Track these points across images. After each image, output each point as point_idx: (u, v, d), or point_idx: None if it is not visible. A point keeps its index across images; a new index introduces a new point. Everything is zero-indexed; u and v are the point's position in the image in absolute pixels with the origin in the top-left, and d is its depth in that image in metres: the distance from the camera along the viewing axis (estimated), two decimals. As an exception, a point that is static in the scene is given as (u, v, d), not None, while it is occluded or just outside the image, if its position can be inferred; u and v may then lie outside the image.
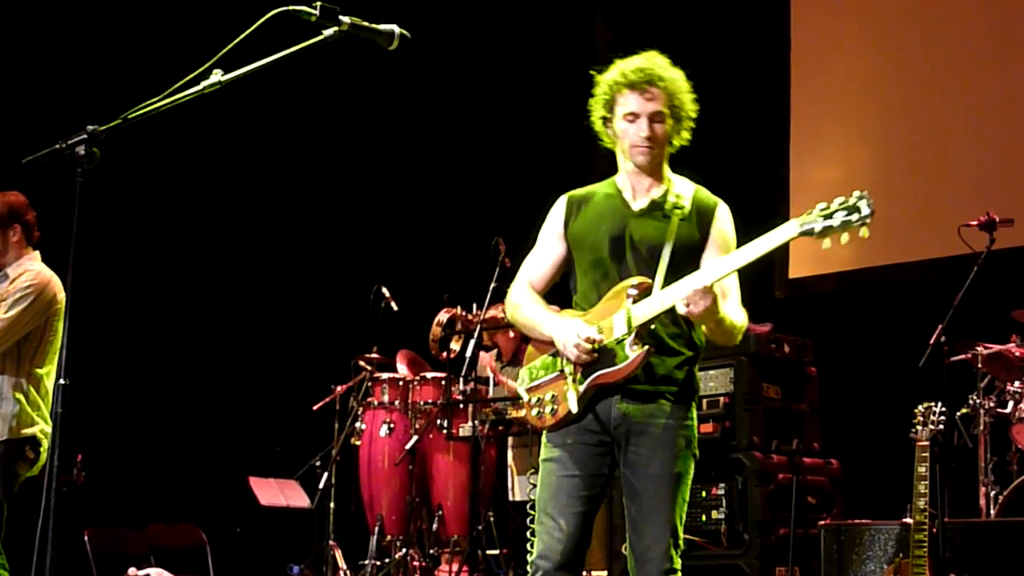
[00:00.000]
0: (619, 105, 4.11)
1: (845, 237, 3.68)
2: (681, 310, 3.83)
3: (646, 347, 3.92)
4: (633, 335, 3.91)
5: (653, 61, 4.16)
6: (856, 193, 3.71)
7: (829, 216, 3.69)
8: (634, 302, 3.94)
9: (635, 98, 4.08)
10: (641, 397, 4.00)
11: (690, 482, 4.08)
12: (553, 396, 4.08)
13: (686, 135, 4.19)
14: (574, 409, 3.99)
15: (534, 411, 4.15)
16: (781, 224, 3.76)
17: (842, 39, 9.45)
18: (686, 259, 4.04)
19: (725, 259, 3.89)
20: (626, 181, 4.18)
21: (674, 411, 4.03)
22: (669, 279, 3.96)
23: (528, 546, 4.34)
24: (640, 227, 4.09)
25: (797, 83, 9.53)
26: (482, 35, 10.71)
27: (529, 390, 4.20)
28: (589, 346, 3.93)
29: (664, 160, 4.18)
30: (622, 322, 3.93)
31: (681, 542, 4.02)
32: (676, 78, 4.16)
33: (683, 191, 4.16)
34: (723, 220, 4.17)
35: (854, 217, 3.68)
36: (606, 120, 4.17)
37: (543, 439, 4.16)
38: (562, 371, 4.06)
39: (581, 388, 3.99)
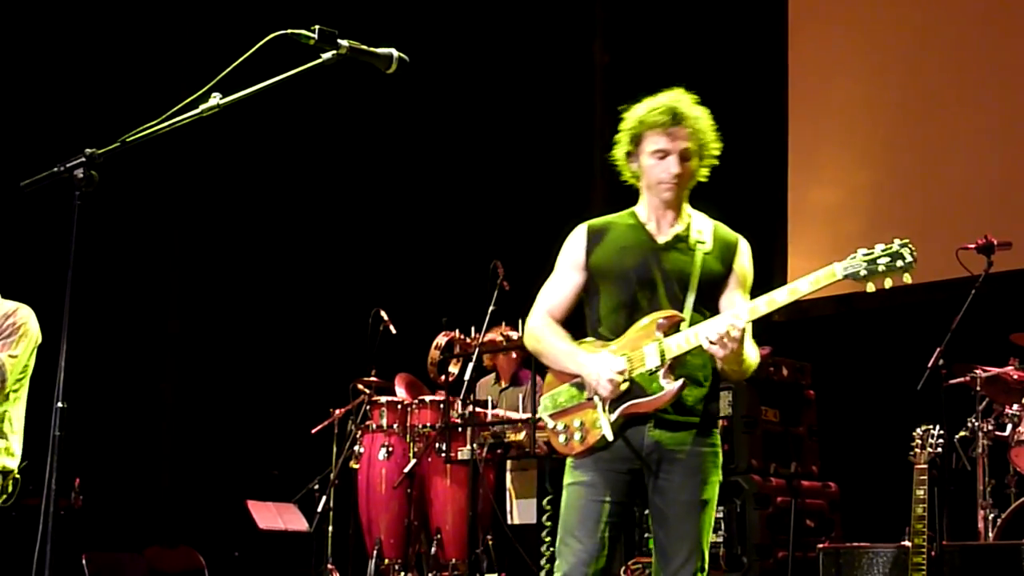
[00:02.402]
0: (647, 142, 4.19)
1: (888, 282, 3.78)
2: (712, 348, 3.92)
3: (681, 380, 4.03)
4: (666, 367, 4.01)
5: (680, 100, 4.23)
6: (897, 241, 3.80)
7: (872, 262, 3.79)
8: (664, 334, 4.03)
9: (663, 137, 4.17)
10: (672, 426, 4.10)
11: (715, 506, 4.19)
12: (581, 423, 4.14)
13: (705, 172, 4.31)
14: (610, 437, 4.06)
15: (560, 437, 4.19)
16: (823, 268, 3.86)
17: (839, 63, 9.48)
18: (710, 292, 4.17)
19: (759, 301, 3.97)
20: (649, 214, 4.27)
21: (702, 439, 4.14)
22: (695, 310, 4.10)
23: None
24: (667, 259, 4.19)
25: (795, 106, 9.55)
26: (481, 58, 10.74)
27: (553, 416, 4.24)
28: (620, 380, 4.02)
29: (685, 196, 4.28)
30: (654, 354, 4.02)
31: (707, 565, 4.13)
32: (701, 117, 4.26)
33: (704, 226, 4.27)
34: (744, 256, 4.30)
35: (898, 263, 3.77)
36: (630, 154, 4.25)
37: (568, 463, 4.21)
38: (590, 399, 4.12)
39: (612, 417, 4.06)
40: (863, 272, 3.79)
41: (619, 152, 4.27)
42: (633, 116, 4.23)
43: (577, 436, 4.13)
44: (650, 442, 4.08)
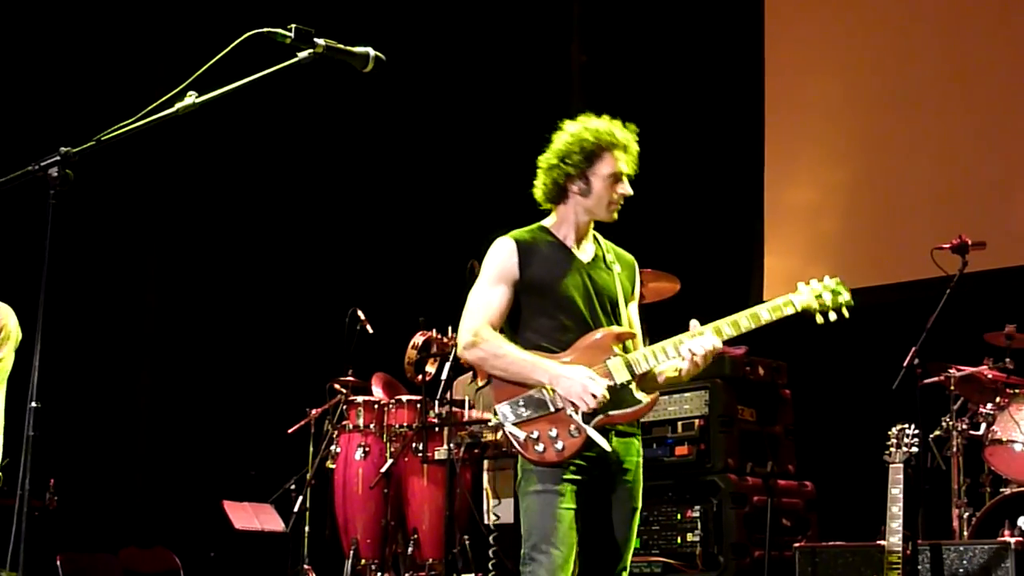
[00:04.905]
0: (603, 162, 4.32)
1: (833, 316, 4.25)
2: (688, 363, 4.17)
3: (656, 393, 4.27)
4: (636, 381, 4.19)
5: (622, 126, 4.40)
6: (831, 279, 4.30)
7: (819, 297, 4.25)
8: (624, 350, 4.22)
9: (622, 159, 4.33)
10: (625, 436, 4.26)
11: None
12: (556, 433, 4.15)
13: None
14: (607, 448, 4.14)
15: (539, 446, 4.17)
16: (783, 298, 4.26)
17: (815, 63, 9.51)
18: (624, 309, 4.39)
19: (723, 324, 4.21)
20: (568, 231, 4.40)
21: (638, 448, 4.34)
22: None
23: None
24: (596, 277, 4.35)
25: (771, 105, 9.58)
26: (458, 58, 10.74)
27: (519, 425, 4.22)
28: (604, 394, 4.11)
29: None
30: (622, 368, 4.17)
31: None
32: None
33: (607, 246, 4.48)
34: (638, 276, 4.56)
35: (840, 299, 4.26)
36: (574, 170, 4.33)
37: (533, 470, 4.21)
38: (559, 409, 4.16)
39: (589, 427, 4.13)
40: (815, 306, 4.24)
41: (565, 164, 4.34)
42: (589, 131, 4.34)
43: (559, 445, 4.14)
44: (613, 451, 4.19)
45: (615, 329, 4.26)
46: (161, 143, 10.52)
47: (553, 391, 4.14)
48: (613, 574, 4.23)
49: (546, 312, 4.29)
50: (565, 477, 4.14)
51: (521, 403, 4.22)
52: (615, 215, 4.37)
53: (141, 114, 3.44)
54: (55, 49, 10.24)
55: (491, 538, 7.25)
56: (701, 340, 4.15)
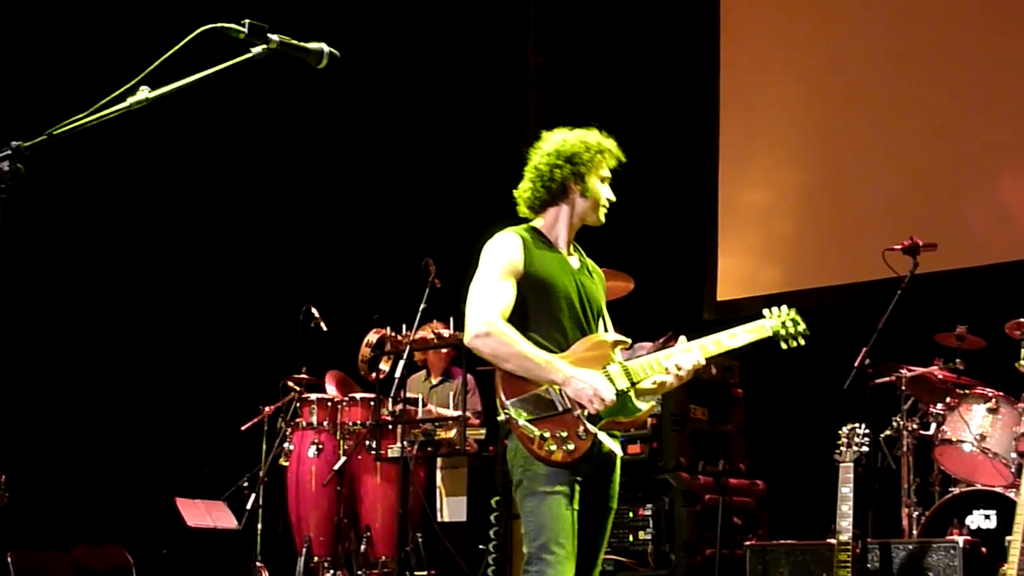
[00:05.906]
0: (601, 169, 4.46)
1: (794, 343, 4.52)
2: (669, 377, 4.32)
3: (653, 402, 4.41)
4: (633, 389, 4.31)
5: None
6: (787, 307, 4.55)
7: (783, 325, 4.51)
8: (624, 358, 4.33)
9: (607, 164, 4.48)
10: (614, 440, 4.32)
11: None
12: (567, 433, 4.16)
13: None
14: (619, 451, 4.30)
15: (552, 445, 4.16)
16: (757, 323, 4.50)
17: (769, 66, 9.56)
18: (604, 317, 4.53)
19: (707, 343, 4.40)
20: (560, 234, 4.46)
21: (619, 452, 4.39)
22: None
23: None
24: (585, 283, 4.44)
25: (726, 106, 9.62)
26: (412, 58, 10.73)
27: (531, 423, 4.21)
28: (613, 399, 4.20)
29: None
30: (621, 375, 4.27)
31: None
32: None
33: (583, 256, 4.57)
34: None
35: (799, 328, 4.53)
36: (583, 168, 4.42)
37: (542, 470, 4.18)
38: (568, 410, 4.18)
39: (595, 430, 4.19)
40: (782, 332, 4.49)
41: (567, 164, 4.40)
42: (588, 135, 4.47)
43: (569, 446, 4.14)
44: (609, 454, 4.28)
45: (613, 336, 4.36)
46: (115, 138, 10.45)
47: (561, 391, 4.16)
48: (589, 572, 4.27)
49: (545, 311, 4.31)
50: (571, 478, 4.16)
51: (531, 401, 4.21)
52: (603, 218, 4.47)
53: (93, 108, 3.41)
54: (6, 42, 10.15)
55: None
56: (688, 356, 4.29)
